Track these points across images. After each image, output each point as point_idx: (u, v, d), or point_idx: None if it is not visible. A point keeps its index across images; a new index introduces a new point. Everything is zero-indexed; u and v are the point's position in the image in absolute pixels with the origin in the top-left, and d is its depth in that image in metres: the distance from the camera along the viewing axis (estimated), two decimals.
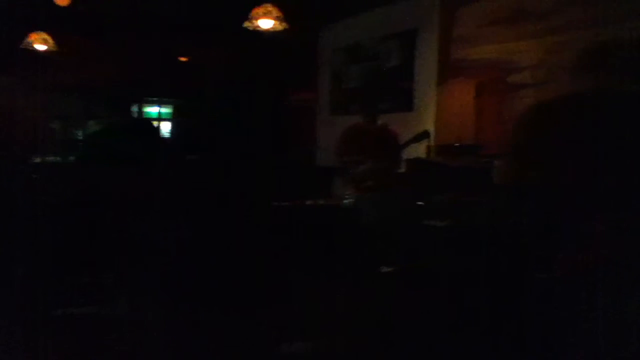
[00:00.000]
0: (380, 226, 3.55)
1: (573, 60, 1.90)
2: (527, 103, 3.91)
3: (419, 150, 4.17)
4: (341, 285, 2.94)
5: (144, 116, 6.86)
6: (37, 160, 4.51)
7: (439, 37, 4.79)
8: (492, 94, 4.39)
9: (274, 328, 2.57)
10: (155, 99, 7.16)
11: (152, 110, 7.38)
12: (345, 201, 3.88)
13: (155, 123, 6.77)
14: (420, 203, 3.55)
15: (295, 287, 2.92)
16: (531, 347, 1.69)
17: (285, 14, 3.57)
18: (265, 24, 3.59)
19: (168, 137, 6.89)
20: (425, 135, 3.95)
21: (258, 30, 3.67)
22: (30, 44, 4.57)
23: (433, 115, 4.75)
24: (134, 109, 4.60)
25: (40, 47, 4.63)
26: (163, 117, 7.39)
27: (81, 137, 6.26)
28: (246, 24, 3.60)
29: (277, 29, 3.65)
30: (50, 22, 4.57)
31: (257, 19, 3.56)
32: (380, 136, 4.18)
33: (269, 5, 3.55)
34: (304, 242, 3.23)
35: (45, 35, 4.60)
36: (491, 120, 4.37)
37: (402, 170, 4.15)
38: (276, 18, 3.56)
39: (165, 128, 7.26)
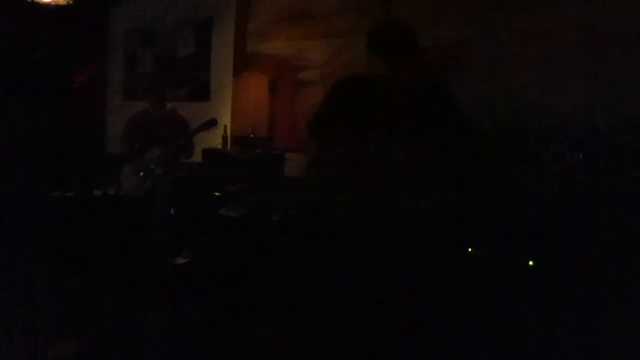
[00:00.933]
0: (170, 216, 3.52)
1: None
2: (315, 101, 4.19)
3: (214, 141, 4.20)
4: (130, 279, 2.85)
5: None
6: None
7: (234, 28, 4.82)
8: (284, 89, 4.58)
9: None
10: None
11: None
12: (133, 190, 3.76)
13: None
14: (215, 194, 3.59)
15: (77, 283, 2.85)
16: None
17: None
18: None
19: None
20: (212, 123, 3.99)
21: (38, 3, 3.32)
22: None
23: (228, 107, 4.78)
24: None
25: None
26: None
27: None
28: None
29: (60, 3, 3.34)
30: None
31: None
32: (168, 123, 4.21)
33: None
34: (90, 235, 3.14)
35: None
36: (283, 114, 4.57)
37: (195, 159, 4.18)
38: None
39: None
